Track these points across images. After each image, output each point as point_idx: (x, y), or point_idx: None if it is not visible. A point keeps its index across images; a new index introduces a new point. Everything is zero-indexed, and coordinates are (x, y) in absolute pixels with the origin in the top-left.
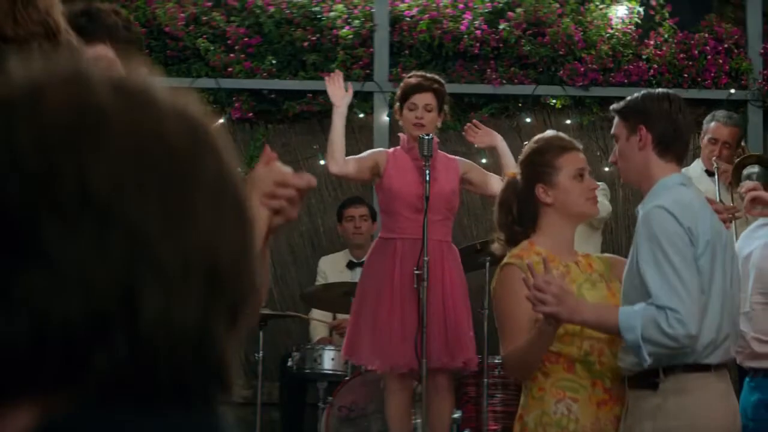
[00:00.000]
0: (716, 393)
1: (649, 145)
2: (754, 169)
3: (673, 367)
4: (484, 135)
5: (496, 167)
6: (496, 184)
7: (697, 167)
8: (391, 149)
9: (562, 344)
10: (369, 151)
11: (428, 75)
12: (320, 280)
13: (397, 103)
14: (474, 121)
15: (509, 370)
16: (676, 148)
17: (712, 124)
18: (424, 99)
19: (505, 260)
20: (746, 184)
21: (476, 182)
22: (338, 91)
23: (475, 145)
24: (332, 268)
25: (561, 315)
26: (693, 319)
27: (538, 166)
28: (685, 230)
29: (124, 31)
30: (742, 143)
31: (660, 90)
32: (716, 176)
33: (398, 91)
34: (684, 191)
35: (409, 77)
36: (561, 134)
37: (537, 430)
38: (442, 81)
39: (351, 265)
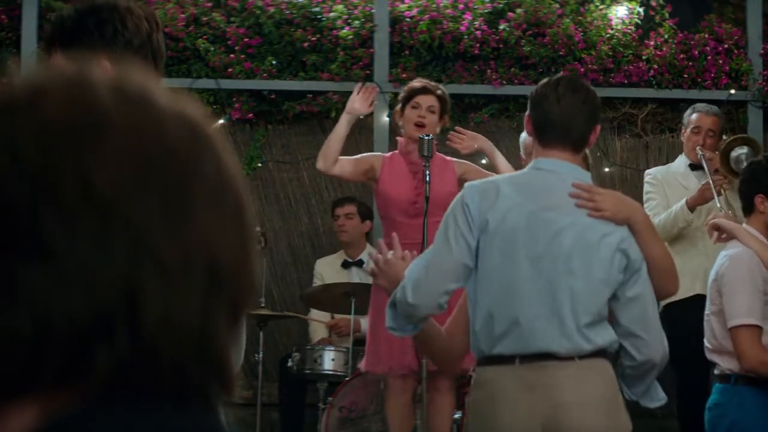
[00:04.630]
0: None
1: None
2: (743, 149)
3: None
4: (469, 140)
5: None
6: None
7: (680, 163)
8: (388, 154)
9: None
10: (366, 154)
11: (432, 82)
12: (317, 282)
13: (399, 104)
14: (457, 128)
15: None
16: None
17: (694, 115)
18: (429, 101)
19: None
20: (710, 220)
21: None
22: (364, 104)
23: (462, 152)
24: (328, 270)
25: None
26: (409, 283)
27: None
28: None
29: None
30: (723, 136)
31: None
32: (704, 165)
33: (402, 93)
34: (517, 175)
35: (413, 82)
36: None
37: None
38: (446, 92)
39: (346, 265)
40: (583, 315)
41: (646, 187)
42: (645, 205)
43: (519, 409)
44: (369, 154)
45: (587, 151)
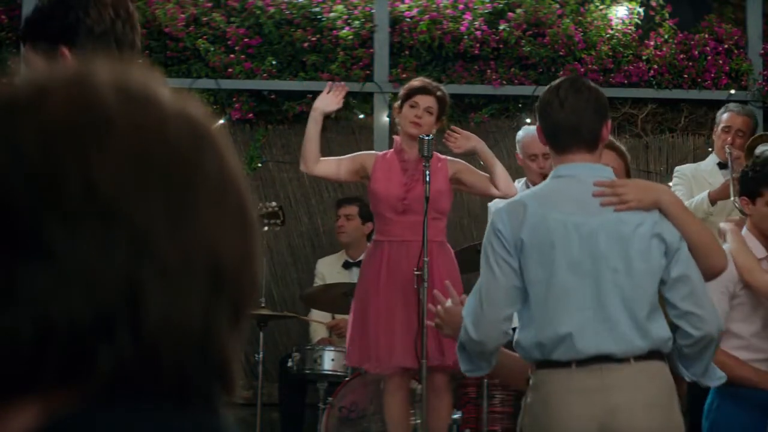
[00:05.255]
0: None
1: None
2: (767, 146)
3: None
4: (463, 140)
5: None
6: (488, 184)
7: (710, 161)
8: (382, 152)
9: None
10: (357, 153)
11: (433, 83)
12: (318, 282)
13: (399, 101)
14: (453, 127)
15: None
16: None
17: (725, 115)
18: (427, 101)
19: None
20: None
21: (468, 183)
22: (333, 101)
23: (454, 151)
24: (329, 270)
25: None
26: (469, 321)
27: None
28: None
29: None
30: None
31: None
32: (730, 164)
33: (402, 91)
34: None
35: (414, 80)
36: None
37: None
38: (446, 92)
39: (347, 265)
40: (637, 310)
41: (673, 182)
42: None
43: (573, 411)
44: (361, 152)
45: (619, 144)
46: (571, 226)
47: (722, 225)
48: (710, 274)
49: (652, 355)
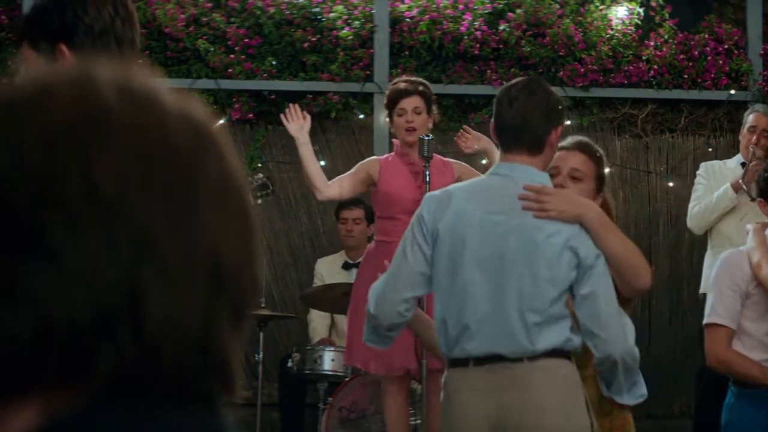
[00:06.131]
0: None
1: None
2: None
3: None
4: (473, 140)
5: None
6: None
7: (735, 160)
8: (384, 156)
9: None
10: (359, 164)
11: (412, 78)
12: (317, 282)
13: (386, 112)
14: (465, 127)
15: None
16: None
17: (751, 115)
18: (412, 103)
19: None
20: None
21: None
22: (295, 125)
23: (465, 151)
24: (329, 270)
25: None
26: (372, 295)
27: None
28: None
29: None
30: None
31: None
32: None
33: (384, 100)
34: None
35: (394, 83)
36: None
37: None
38: (427, 83)
39: (347, 266)
40: (529, 315)
41: (696, 179)
42: (692, 195)
43: (468, 410)
44: (363, 162)
45: (596, 149)
46: (487, 223)
47: (748, 226)
48: (633, 291)
49: (551, 353)
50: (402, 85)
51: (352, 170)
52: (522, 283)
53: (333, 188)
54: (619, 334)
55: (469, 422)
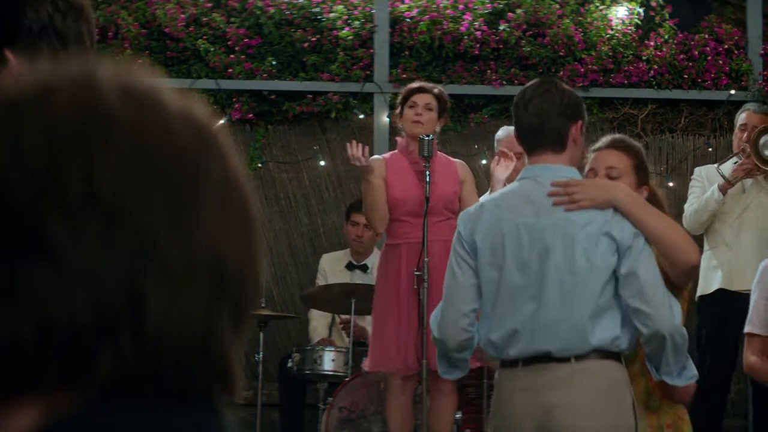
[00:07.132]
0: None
1: None
2: None
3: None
4: (503, 169)
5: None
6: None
7: (729, 162)
8: (387, 154)
9: None
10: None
11: (430, 84)
12: (320, 278)
13: (398, 107)
14: (501, 150)
15: None
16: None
17: (743, 114)
18: (425, 99)
19: None
20: None
21: (462, 197)
22: (364, 162)
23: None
24: (332, 267)
25: None
26: (434, 321)
27: None
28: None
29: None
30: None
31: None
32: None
33: (400, 95)
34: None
35: (412, 83)
36: None
37: None
38: (444, 91)
39: (350, 266)
40: (578, 310)
41: (691, 182)
42: (688, 198)
43: (514, 410)
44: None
45: (631, 142)
46: (522, 227)
47: None
48: (679, 269)
49: (597, 354)
50: (419, 84)
51: (371, 177)
52: (562, 278)
53: (385, 221)
54: (666, 310)
55: (515, 422)
